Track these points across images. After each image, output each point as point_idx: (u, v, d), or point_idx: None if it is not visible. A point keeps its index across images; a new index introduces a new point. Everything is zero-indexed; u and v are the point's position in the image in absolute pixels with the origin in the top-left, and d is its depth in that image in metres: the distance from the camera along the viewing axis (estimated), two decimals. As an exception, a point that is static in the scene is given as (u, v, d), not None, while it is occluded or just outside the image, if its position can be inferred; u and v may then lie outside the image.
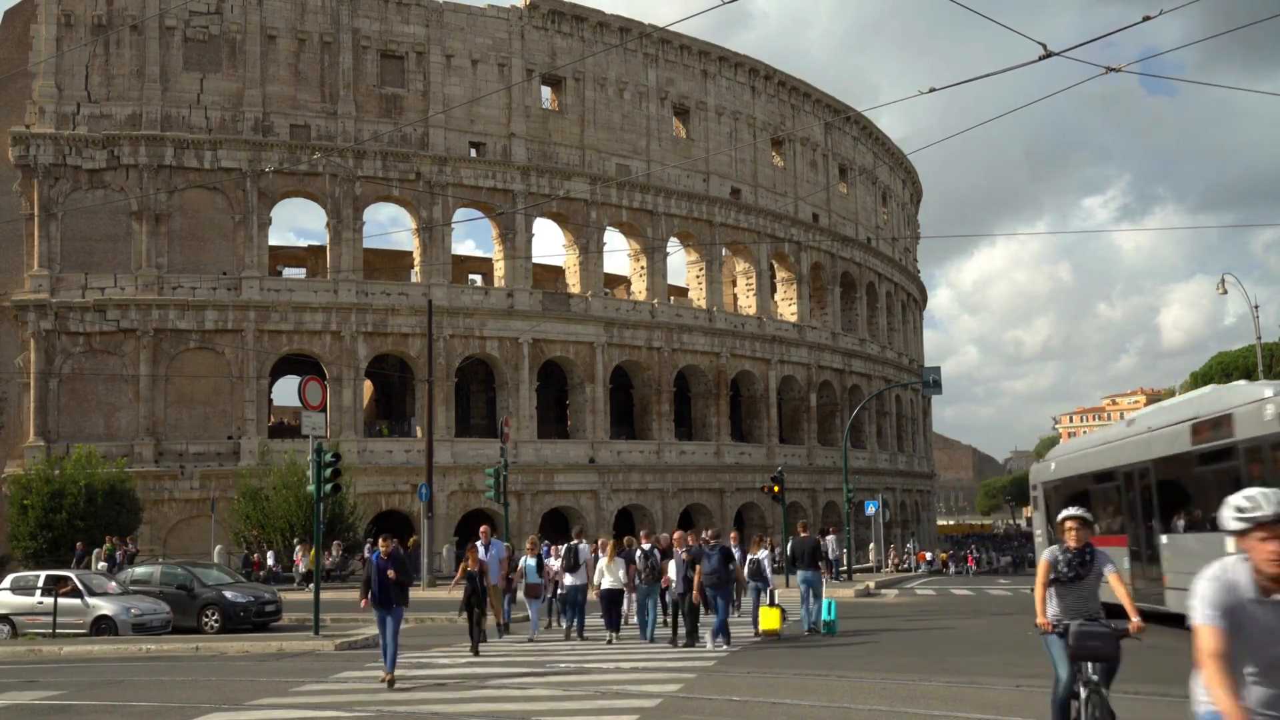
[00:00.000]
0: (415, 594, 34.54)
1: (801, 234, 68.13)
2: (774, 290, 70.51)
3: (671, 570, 20.27)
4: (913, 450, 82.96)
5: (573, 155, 57.14)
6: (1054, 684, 9.15)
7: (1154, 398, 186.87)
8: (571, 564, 21.77)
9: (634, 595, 21.95)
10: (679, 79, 62.07)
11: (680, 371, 60.07)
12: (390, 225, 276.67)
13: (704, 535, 20.93)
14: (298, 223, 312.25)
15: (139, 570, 28.44)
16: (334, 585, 38.04)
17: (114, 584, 25.94)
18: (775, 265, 68.31)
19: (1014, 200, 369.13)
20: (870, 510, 51.97)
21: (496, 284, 55.82)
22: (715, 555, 19.34)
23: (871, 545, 56.58)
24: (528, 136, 55.54)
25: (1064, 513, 9.13)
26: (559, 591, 22.72)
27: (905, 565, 60.25)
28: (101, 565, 35.31)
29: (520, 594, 23.01)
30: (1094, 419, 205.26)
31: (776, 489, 39.28)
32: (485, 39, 55.08)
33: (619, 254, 63.17)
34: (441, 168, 52.90)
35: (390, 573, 15.17)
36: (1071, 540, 8.96)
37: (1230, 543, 4.88)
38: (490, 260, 62.10)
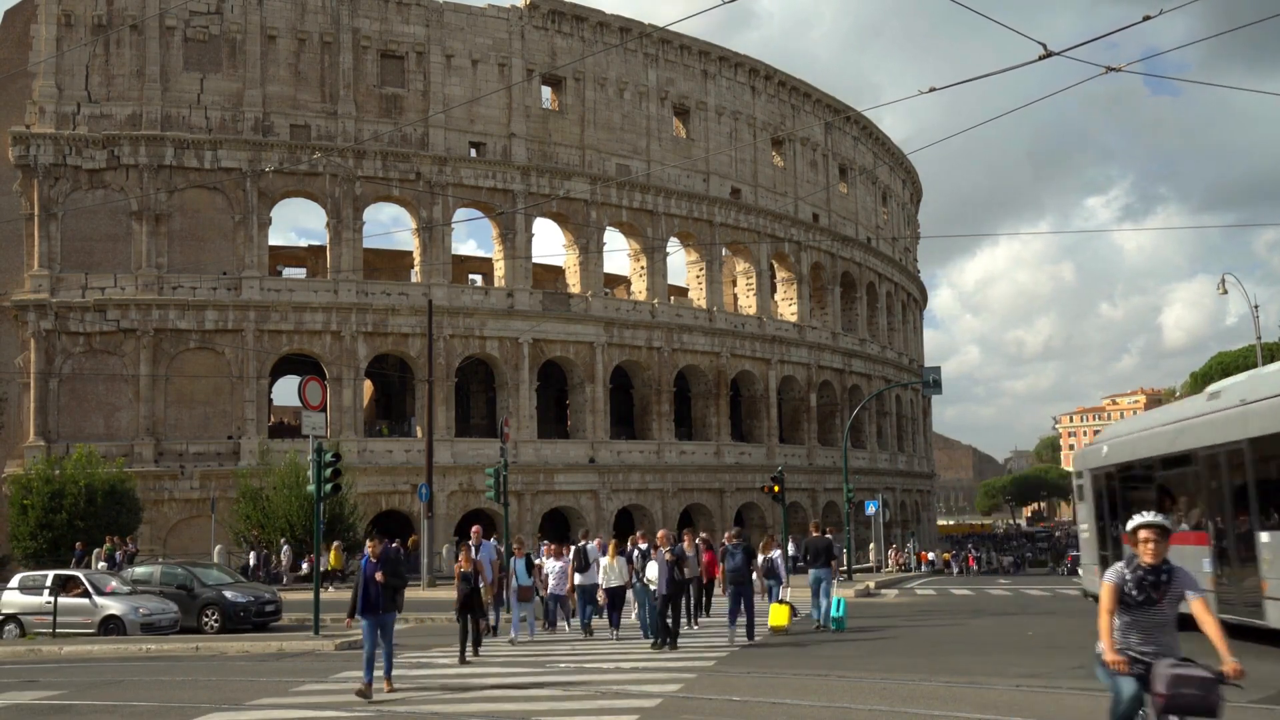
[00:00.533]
0: (415, 594, 34.62)
1: (801, 234, 68.13)
2: (774, 290, 70.51)
3: (651, 571, 19.50)
4: (913, 450, 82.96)
5: (573, 155, 57.15)
6: None
7: (1154, 398, 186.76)
8: (582, 564, 22.23)
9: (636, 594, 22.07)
10: (679, 79, 62.07)
11: (680, 371, 60.08)
12: (391, 225, 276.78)
13: (728, 534, 22.22)
14: (299, 223, 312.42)
15: (139, 570, 28.42)
16: (335, 586, 38.07)
17: (121, 583, 25.87)
18: (775, 265, 68.32)
19: (1017, 200, 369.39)
20: (870, 510, 51.99)
21: (496, 284, 55.82)
22: (739, 553, 20.38)
23: (871, 545, 56.61)
24: (528, 136, 55.54)
25: (1136, 520, 7.59)
26: (550, 592, 22.88)
27: (907, 565, 60.30)
28: (101, 565, 35.28)
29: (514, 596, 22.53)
30: (1094, 419, 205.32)
31: (776, 489, 39.29)
32: (485, 39, 55.08)
33: (619, 254, 63.28)
34: (441, 168, 52.90)
35: (379, 575, 14.27)
36: (1148, 555, 7.44)
37: None
38: (490, 260, 62.11)
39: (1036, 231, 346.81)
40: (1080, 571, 28.23)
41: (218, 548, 42.44)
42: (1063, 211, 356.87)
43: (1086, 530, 24.61)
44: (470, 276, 64.46)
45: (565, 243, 59.00)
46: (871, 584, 38.86)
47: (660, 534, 19.96)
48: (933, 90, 18.77)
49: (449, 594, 20.56)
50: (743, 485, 60.41)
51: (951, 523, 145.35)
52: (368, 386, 60.37)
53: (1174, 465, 20.08)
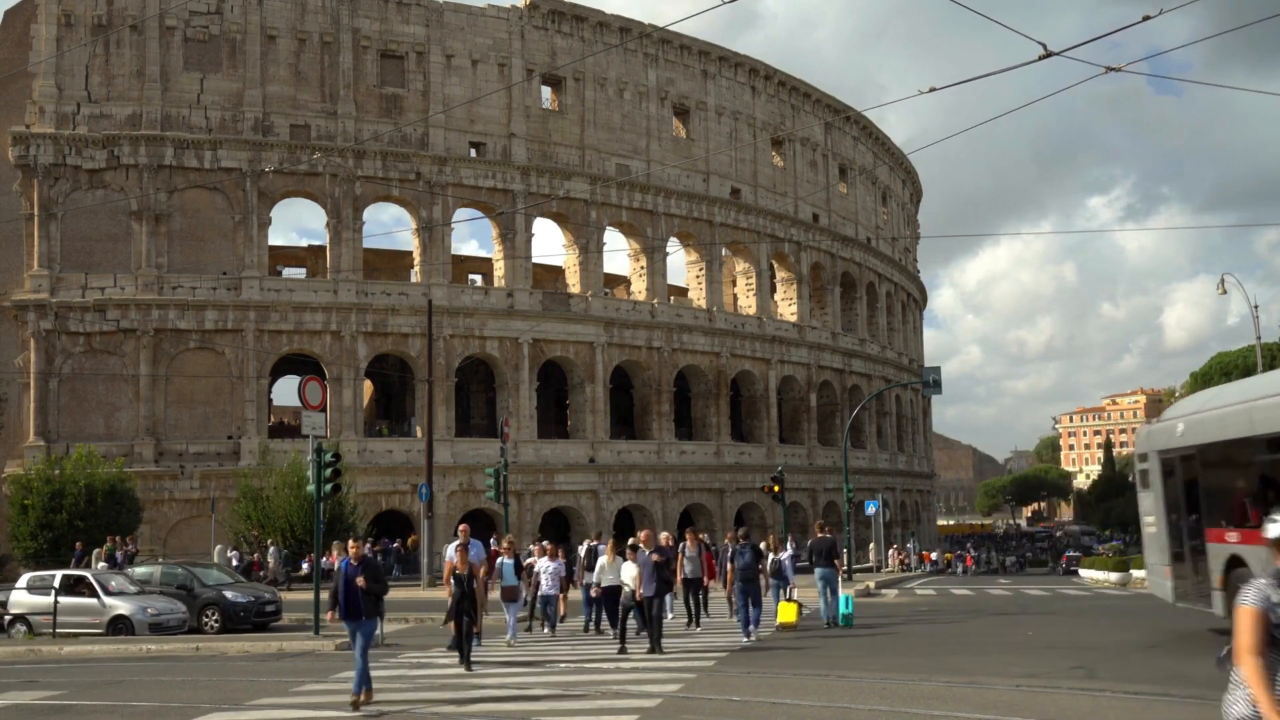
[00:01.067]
0: (415, 594, 34.66)
1: (801, 234, 68.14)
2: (774, 290, 70.51)
3: (627, 573, 19.01)
4: (913, 450, 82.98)
5: (573, 155, 57.14)
6: None
7: (1154, 398, 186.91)
8: (592, 564, 22.50)
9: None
10: (679, 79, 62.07)
11: (680, 371, 60.08)
12: (393, 225, 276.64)
13: (737, 534, 23.08)
14: (301, 222, 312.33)
15: (139, 570, 28.38)
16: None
17: (129, 583, 25.82)
18: (775, 265, 68.32)
19: (1020, 200, 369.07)
20: (870, 510, 52.00)
21: (496, 284, 55.82)
22: (747, 553, 21.17)
23: (871, 545, 56.62)
24: (528, 136, 55.54)
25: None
26: (542, 593, 22.53)
27: (908, 564, 60.30)
28: (102, 565, 35.25)
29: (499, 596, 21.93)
30: (1094, 419, 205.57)
31: (776, 489, 39.34)
32: (485, 39, 55.07)
33: (619, 254, 63.26)
34: (441, 168, 52.89)
35: (359, 580, 13.65)
36: None
37: None
38: (490, 260, 62.10)
39: (1037, 231, 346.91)
40: (1146, 573, 23.63)
41: (217, 548, 42.41)
42: (1065, 211, 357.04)
43: (1153, 524, 20.82)
44: (470, 276, 64.45)
45: (565, 243, 59.00)
46: (871, 584, 38.88)
47: (643, 534, 19.36)
48: (932, 90, 18.78)
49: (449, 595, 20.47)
50: (743, 485, 60.41)
51: (951, 523, 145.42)
52: (368, 386, 60.36)
53: None
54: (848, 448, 48.02)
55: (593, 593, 21.84)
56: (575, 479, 54.70)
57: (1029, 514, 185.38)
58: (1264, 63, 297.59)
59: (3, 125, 48.07)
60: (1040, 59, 17.01)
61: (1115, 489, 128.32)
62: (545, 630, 23.01)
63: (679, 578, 22.30)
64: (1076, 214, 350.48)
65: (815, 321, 70.14)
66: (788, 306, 69.44)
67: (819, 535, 24.51)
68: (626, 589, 18.84)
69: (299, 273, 61.26)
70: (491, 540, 27.45)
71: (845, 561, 36.40)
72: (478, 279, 64.06)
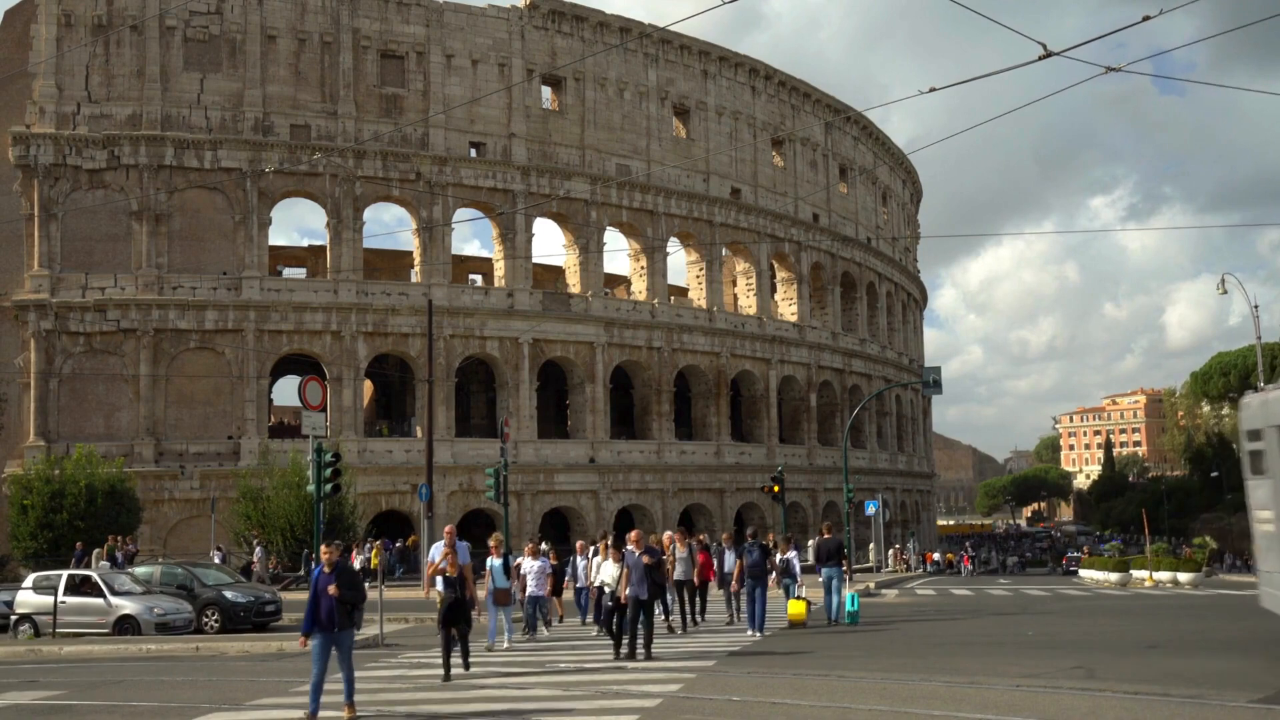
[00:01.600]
0: (413, 594, 34.60)
1: (801, 234, 68.15)
2: (774, 290, 70.52)
3: (606, 572, 18.43)
4: (913, 450, 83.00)
5: (573, 155, 57.15)
6: None
7: (1154, 397, 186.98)
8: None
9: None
10: (679, 79, 62.07)
11: (680, 371, 60.09)
12: (395, 225, 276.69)
13: (747, 533, 24.42)
14: (304, 222, 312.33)
15: (139, 570, 28.38)
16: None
17: (135, 583, 25.79)
18: (775, 265, 68.33)
19: (1023, 200, 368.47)
20: (870, 510, 51.97)
21: (496, 284, 55.83)
22: (755, 551, 22.23)
23: (871, 545, 56.60)
24: (528, 136, 55.54)
25: None
26: (529, 594, 21.79)
27: (908, 565, 60.28)
28: (104, 564, 35.26)
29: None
30: (1094, 419, 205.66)
31: (776, 489, 39.34)
32: (485, 39, 55.08)
33: (619, 254, 63.29)
34: (441, 168, 52.90)
35: (332, 589, 12.65)
36: None
37: None
38: (490, 260, 62.12)
39: (1039, 231, 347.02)
40: (1258, 581, 18.28)
41: (218, 547, 42.43)
42: (1068, 211, 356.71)
43: (1270, 520, 15.91)
44: (470, 276, 64.48)
45: (565, 243, 59.01)
46: (871, 584, 38.88)
47: (632, 534, 18.80)
48: (932, 90, 18.79)
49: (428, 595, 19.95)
50: (743, 485, 60.42)
51: (951, 523, 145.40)
52: (368, 386, 60.37)
53: None
54: (848, 448, 48.02)
55: (591, 593, 21.71)
56: (575, 479, 54.71)
57: (1029, 514, 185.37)
58: (1268, 63, 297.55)
59: (3, 125, 48.07)
60: (1040, 59, 17.03)
61: (1115, 489, 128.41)
62: (539, 631, 22.29)
63: (670, 580, 22.17)
64: (1079, 214, 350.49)
65: (815, 321, 70.15)
66: (788, 306, 69.45)
67: (826, 536, 25.24)
68: (609, 590, 18.22)
69: (299, 273, 61.29)
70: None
71: (850, 561, 36.78)
72: (478, 279, 64.08)
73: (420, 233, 52.76)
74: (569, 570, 25.94)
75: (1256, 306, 46.55)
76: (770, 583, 22.99)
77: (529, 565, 21.88)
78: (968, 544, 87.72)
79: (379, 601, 22.28)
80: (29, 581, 26.21)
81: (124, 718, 13.50)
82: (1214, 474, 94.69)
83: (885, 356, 77.46)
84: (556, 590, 24.41)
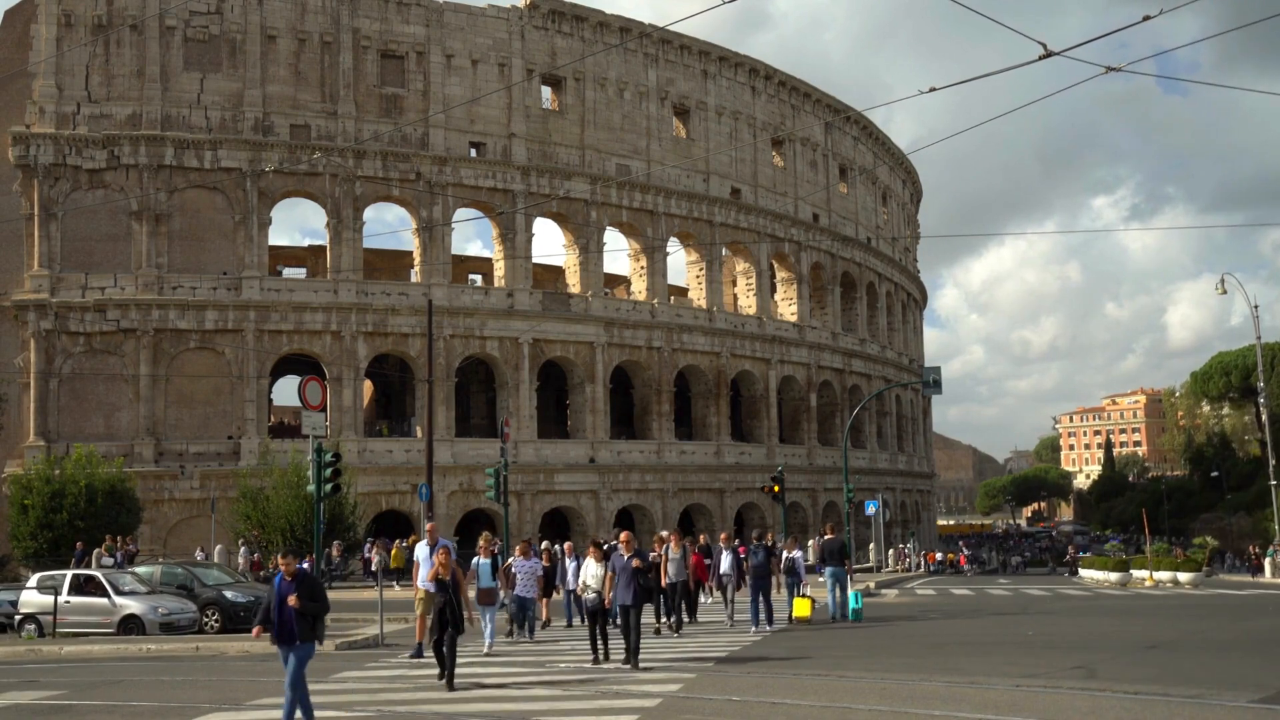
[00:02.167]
0: (411, 595, 34.51)
1: (801, 234, 68.16)
2: (774, 290, 70.53)
3: (589, 573, 17.71)
4: (913, 450, 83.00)
5: (573, 155, 57.15)
6: None
7: (1154, 397, 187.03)
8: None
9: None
10: (679, 79, 62.07)
11: (680, 371, 60.09)
12: (397, 225, 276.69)
13: (753, 535, 25.74)
14: (304, 222, 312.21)
15: (139, 570, 28.39)
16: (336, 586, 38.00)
17: (139, 582, 25.77)
18: (775, 265, 68.34)
19: (1026, 200, 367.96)
20: (870, 510, 52.00)
21: (496, 284, 55.83)
22: (761, 553, 23.23)
23: (871, 545, 56.61)
24: (528, 136, 55.54)
25: None
26: (515, 594, 21.22)
27: (909, 566, 60.23)
28: (108, 561, 35.26)
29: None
30: (1094, 419, 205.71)
31: (776, 489, 39.35)
32: (485, 39, 55.08)
33: (619, 254, 63.27)
34: (441, 168, 52.90)
35: (292, 599, 11.80)
36: None
37: None
38: (490, 260, 62.12)
39: (1041, 231, 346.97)
40: None
41: (218, 548, 42.41)
42: (1070, 211, 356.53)
43: None
44: (470, 276, 64.48)
45: (565, 243, 59.01)
46: (871, 584, 38.88)
47: (623, 536, 18.19)
48: (932, 90, 18.80)
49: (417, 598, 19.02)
50: (743, 485, 60.42)
51: (951, 523, 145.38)
52: (368, 386, 60.37)
53: None
54: (848, 448, 48.04)
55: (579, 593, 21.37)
56: (575, 479, 54.71)
57: (1029, 514, 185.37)
58: (1271, 63, 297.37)
59: (3, 125, 48.07)
60: (1040, 59, 17.03)
61: (1115, 489, 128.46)
62: (518, 634, 21.60)
63: (664, 582, 21.98)
64: (1082, 213, 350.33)
65: (815, 321, 70.15)
66: (788, 306, 69.46)
67: (831, 536, 26.12)
68: (591, 593, 17.47)
69: (299, 273, 61.28)
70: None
71: (854, 561, 37.16)
72: (478, 279, 64.08)
73: (420, 233, 52.77)
74: (559, 572, 25.65)
75: (1256, 306, 46.67)
76: (774, 582, 23.91)
77: (519, 565, 21.41)
78: (960, 543, 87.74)
79: (379, 601, 22.30)
80: (33, 581, 26.21)
81: (124, 718, 13.50)
82: (1214, 474, 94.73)
83: (885, 356, 77.46)
84: (547, 592, 23.98)
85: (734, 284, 70.44)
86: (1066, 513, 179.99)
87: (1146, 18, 16.91)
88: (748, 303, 66.80)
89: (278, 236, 76.59)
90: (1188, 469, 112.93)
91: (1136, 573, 43.34)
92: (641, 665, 16.50)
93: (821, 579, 26.16)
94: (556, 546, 28.99)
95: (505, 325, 53.55)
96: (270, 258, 53.12)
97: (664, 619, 22.67)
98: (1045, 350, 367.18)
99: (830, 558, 25.50)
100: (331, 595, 30.64)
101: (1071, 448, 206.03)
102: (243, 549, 40.27)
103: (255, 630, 12.31)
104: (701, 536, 36.55)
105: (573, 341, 55.64)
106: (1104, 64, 18.97)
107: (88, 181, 48.30)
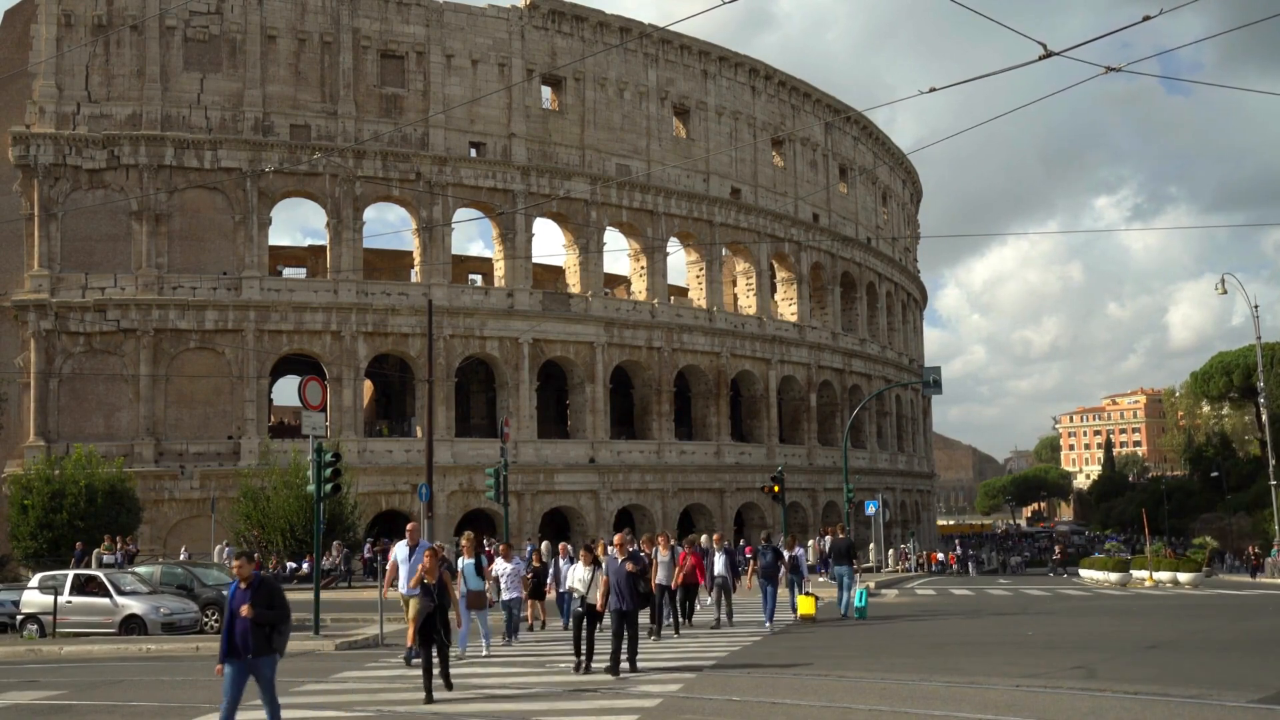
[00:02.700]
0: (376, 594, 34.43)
1: (801, 234, 68.15)
2: (774, 290, 70.52)
3: (576, 577, 16.92)
4: (913, 450, 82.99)
5: (573, 155, 57.15)
6: None
7: (1154, 397, 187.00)
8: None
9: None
10: (679, 79, 62.07)
11: (680, 371, 60.09)
12: (397, 225, 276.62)
13: (760, 536, 26.84)
14: (304, 222, 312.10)
15: (139, 570, 28.38)
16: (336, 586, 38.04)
17: (141, 582, 25.73)
18: (775, 265, 68.33)
19: (1028, 200, 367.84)
20: (870, 510, 51.94)
21: (496, 284, 55.83)
22: (769, 553, 24.13)
23: (871, 545, 56.57)
24: (528, 136, 55.54)
25: None
26: (502, 598, 20.82)
27: (909, 566, 60.18)
28: (110, 559, 35.24)
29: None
30: (1094, 419, 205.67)
31: (776, 489, 39.32)
32: (485, 39, 55.08)
33: (619, 254, 63.27)
34: (441, 168, 52.90)
35: (245, 609, 10.61)
36: None
37: None
38: (490, 260, 62.13)
39: (1043, 231, 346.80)
40: None
41: (217, 547, 42.43)
42: (1073, 211, 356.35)
43: None
44: (470, 276, 64.48)
45: (565, 243, 59.01)
46: (871, 584, 38.82)
47: (617, 538, 17.45)
48: (932, 90, 18.80)
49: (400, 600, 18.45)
50: (743, 485, 60.42)
51: (951, 523, 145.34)
52: (368, 386, 60.37)
53: None
54: (848, 448, 48.04)
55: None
56: (575, 479, 54.71)
57: (1029, 514, 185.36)
58: (1274, 63, 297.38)
59: (3, 125, 48.08)
60: (1040, 59, 17.03)
61: (1115, 489, 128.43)
62: (506, 639, 20.92)
63: (653, 585, 21.21)
64: (1084, 214, 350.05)
65: (815, 321, 70.15)
66: (788, 306, 69.45)
67: (838, 537, 27.44)
68: (577, 595, 16.66)
69: (299, 273, 61.28)
70: (485, 541, 27.04)
71: (860, 561, 37.56)
72: (478, 279, 64.09)
73: (420, 233, 52.77)
74: (551, 573, 25.11)
75: (1257, 306, 46.67)
76: (779, 581, 24.47)
77: (501, 567, 20.98)
78: (956, 543, 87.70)
79: (379, 601, 22.29)
80: (35, 581, 26.19)
81: (123, 718, 13.50)
82: (1214, 474, 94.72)
83: (885, 356, 77.46)
84: (539, 593, 23.78)
85: (734, 284, 70.44)
86: (1066, 513, 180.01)
87: (1147, 17, 16.91)
88: (748, 303, 66.81)
89: (278, 236, 76.62)
90: (1188, 469, 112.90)
91: (1136, 573, 43.34)
92: (640, 666, 16.37)
93: (823, 579, 26.53)
94: (544, 545, 29.05)
95: (505, 325, 53.55)
96: (270, 258, 53.13)
97: (652, 623, 21.61)
98: (1046, 350, 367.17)
99: (839, 557, 26.57)
100: (332, 595, 30.69)
101: (1071, 448, 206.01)
102: (228, 549, 40.21)
103: (217, 669, 10.91)
104: (702, 538, 36.53)
105: (573, 341, 55.64)
106: (1105, 64, 18.97)
107: (88, 181, 48.31)
